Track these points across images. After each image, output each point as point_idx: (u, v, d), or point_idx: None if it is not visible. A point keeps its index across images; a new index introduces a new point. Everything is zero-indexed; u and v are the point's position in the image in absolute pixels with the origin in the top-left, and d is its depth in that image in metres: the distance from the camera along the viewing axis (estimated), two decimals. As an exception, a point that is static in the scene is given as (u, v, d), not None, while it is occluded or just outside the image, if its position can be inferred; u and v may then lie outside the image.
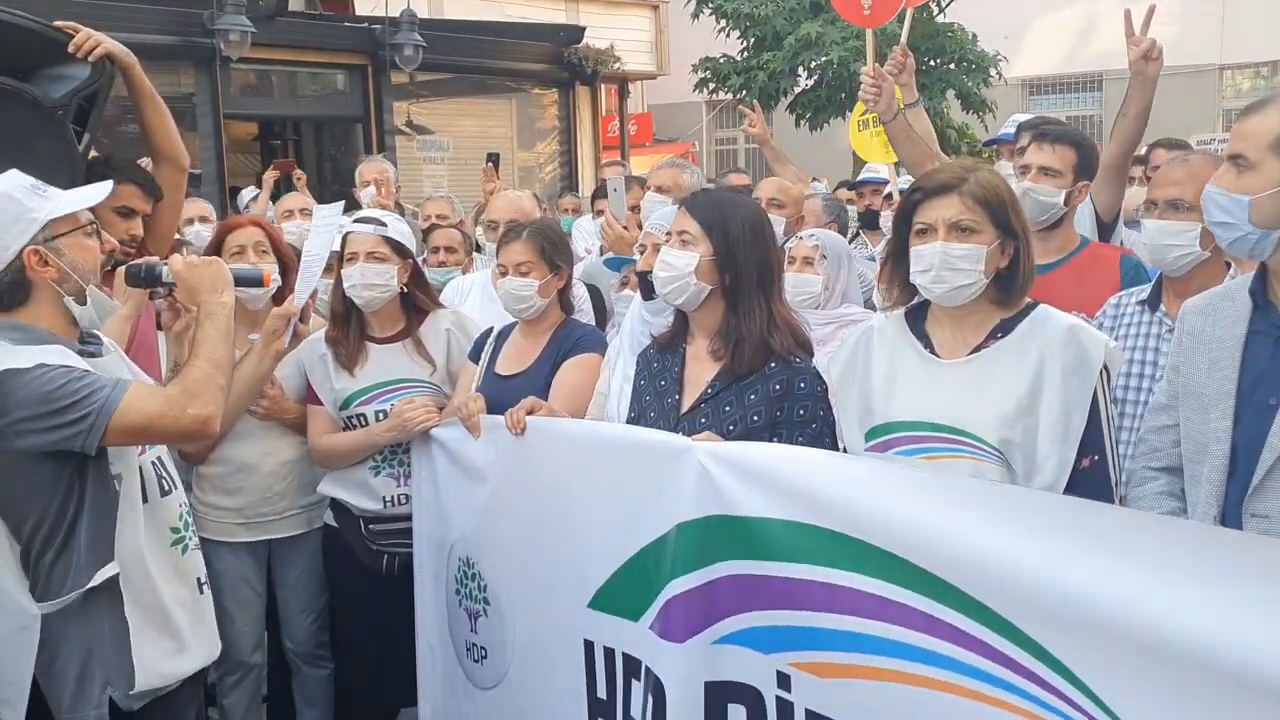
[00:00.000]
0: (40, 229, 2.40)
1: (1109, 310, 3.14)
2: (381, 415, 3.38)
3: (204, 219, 5.60)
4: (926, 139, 4.17)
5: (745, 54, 15.17)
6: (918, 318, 2.56)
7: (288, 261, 3.64)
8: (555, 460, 2.85)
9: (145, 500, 2.52)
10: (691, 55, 15.59)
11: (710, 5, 15.08)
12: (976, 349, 2.44)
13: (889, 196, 5.49)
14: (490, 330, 3.46)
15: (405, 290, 3.47)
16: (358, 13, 12.99)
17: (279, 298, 3.43)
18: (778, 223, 3.90)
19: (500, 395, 3.13)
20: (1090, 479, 2.32)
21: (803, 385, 2.64)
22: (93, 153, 3.55)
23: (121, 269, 2.89)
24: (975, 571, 1.95)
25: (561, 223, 6.00)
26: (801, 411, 2.62)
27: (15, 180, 2.43)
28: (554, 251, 3.36)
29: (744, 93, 14.51)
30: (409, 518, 3.36)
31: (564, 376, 3.23)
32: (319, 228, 3.34)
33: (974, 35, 14.70)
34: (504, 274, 3.35)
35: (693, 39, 15.83)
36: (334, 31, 12.43)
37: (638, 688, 2.62)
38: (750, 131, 5.93)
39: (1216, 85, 18.26)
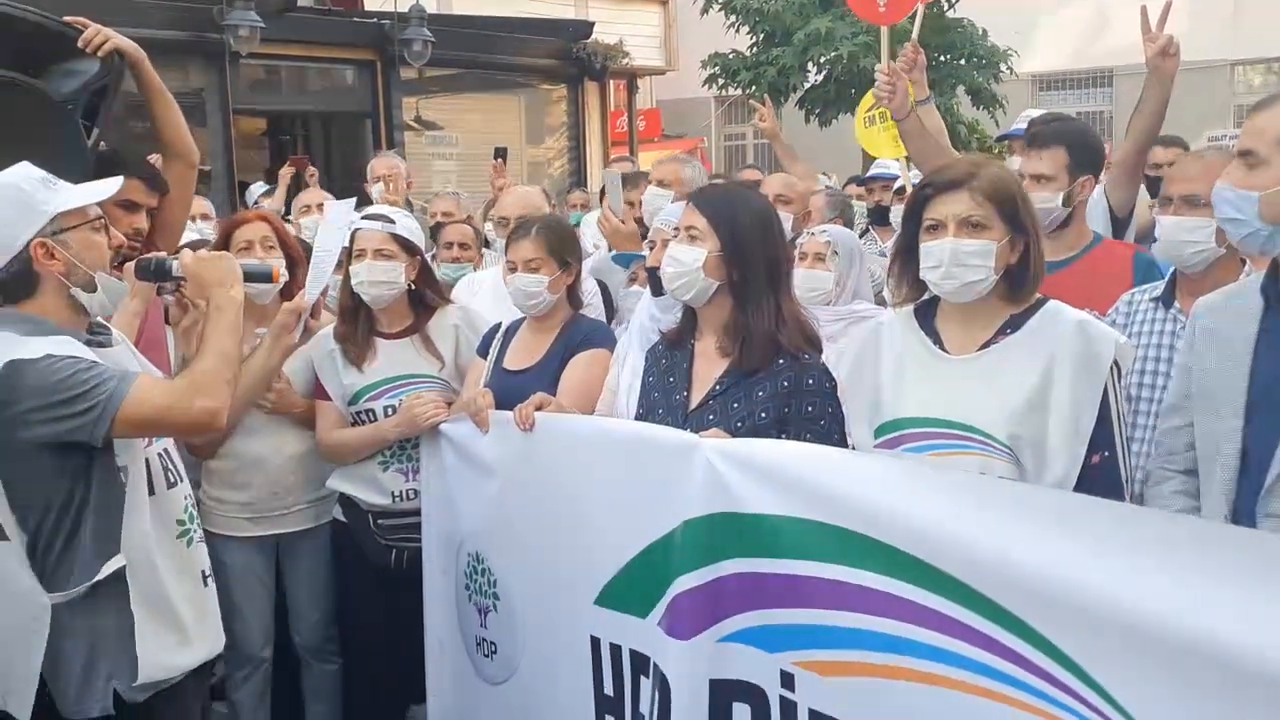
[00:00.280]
0: (48, 222, 2.40)
1: (1121, 307, 3.13)
2: (390, 411, 3.39)
3: (205, 216, 5.62)
4: (937, 136, 4.15)
5: (754, 49, 15.13)
6: (927, 314, 2.55)
7: (296, 256, 3.64)
8: (563, 456, 2.85)
9: (152, 493, 2.53)
10: (700, 51, 15.56)
11: (719, 1, 15.04)
12: (986, 345, 2.44)
13: (901, 191, 5.47)
14: (499, 326, 3.46)
15: (413, 286, 3.47)
16: (366, 8, 13.01)
17: (287, 293, 3.43)
18: (785, 219, 3.89)
19: (509, 391, 3.13)
20: (1101, 475, 2.31)
21: (811, 382, 2.63)
22: (101, 145, 3.56)
23: (131, 264, 2.89)
24: (985, 568, 1.94)
25: (570, 218, 5.99)
26: (810, 408, 2.61)
27: (25, 172, 2.43)
28: (563, 248, 3.36)
29: (753, 88, 14.46)
30: (417, 513, 3.36)
31: (572, 372, 3.23)
32: (330, 225, 3.34)
33: (984, 31, 14.65)
34: (513, 270, 3.34)
35: (702, 34, 15.80)
36: (343, 27, 12.44)
37: (646, 684, 2.62)
38: (760, 126, 5.91)
39: (1228, 81, 18.18)
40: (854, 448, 2.58)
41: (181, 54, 10.69)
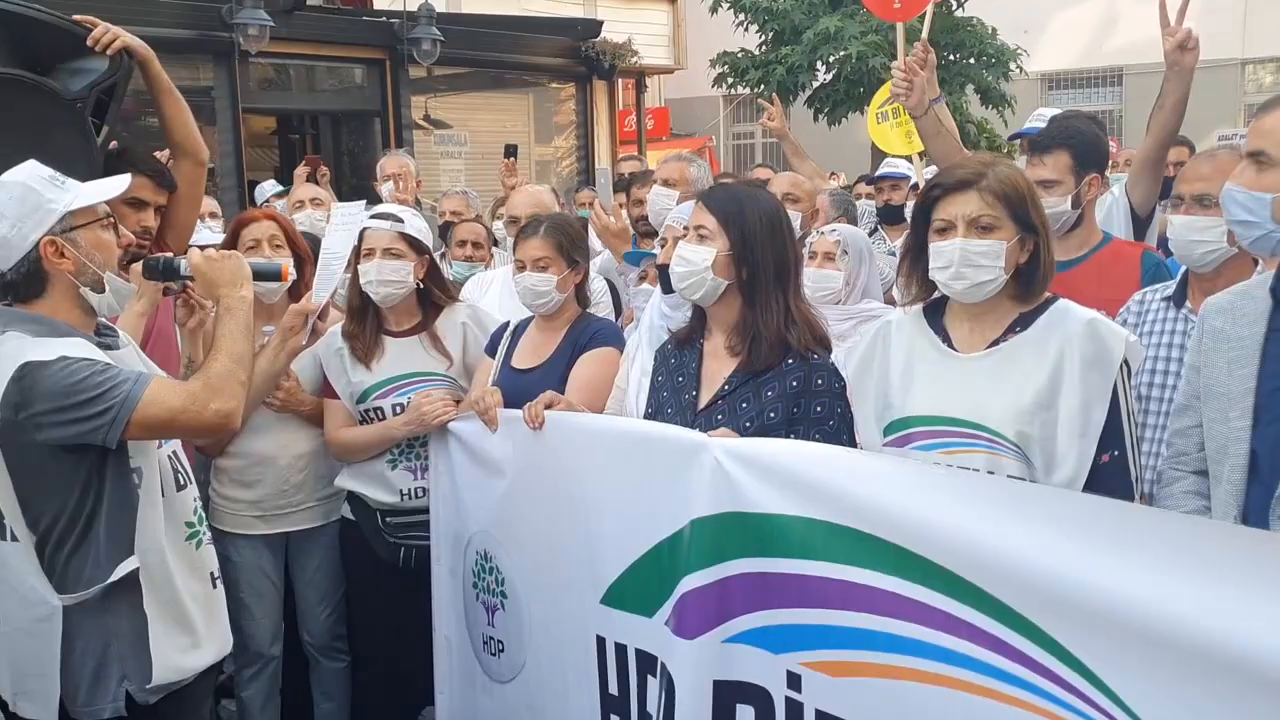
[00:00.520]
0: (58, 220, 2.40)
1: (1133, 306, 3.11)
2: (398, 409, 3.39)
3: (213, 215, 5.62)
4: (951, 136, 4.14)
5: (763, 48, 15.12)
6: (936, 312, 2.54)
7: (303, 254, 3.64)
8: (572, 455, 2.85)
9: (162, 495, 2.53)
10: (709, 50, 15.56)
11: (728, 0, 15.03)
12: (995, 343, 2.43)
13: (915, 187, 5.45)
14: (507, 324, 3.46)
15: (421, 285, 3.47)
16: (376, 7, 13.01)
17: (294, 292, 3.44)
18: (793, 217, 3.88)
19: (517, 389, 3.13)
20: (1110, 474, 2.31)
21: (820, 382, 2.62)
22: (112, 144, 3.57)
23: (137, 264, 2.89)
24: (993, 569, 1.94)
25: (576, 216, 5.99)
26: (819, 408, 2.61)
27: (34, 171, 2.43)
28: (572, 246, 3.36)
29: (762, 87, 14.46)
30: (425, 511, 3.37)
31: (581, 370, 3.23)
32: (340, 226, 3.34)
33: (993, 29, 14.62)
34: (521, 269, 3.34)
35: (710, 33, 15.80)
36: (352, 26, 12.45)
37: (653, 684, 2.62)
38: (769, 126, 5.90)
39: (1238, 80, 18.12)
40: (860, 447, 2.58)
41: (190, 52, 10.71)
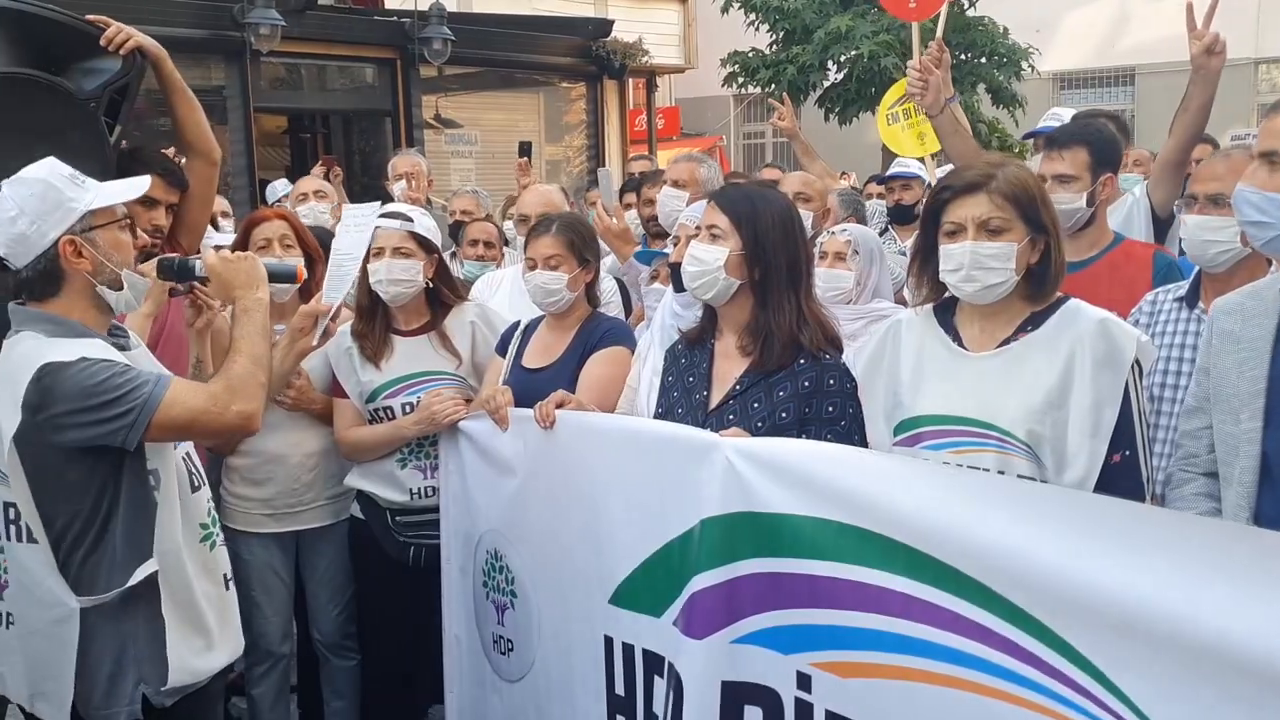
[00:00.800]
0: (78, 219, 2.39)
1: (1145, 307, 3.10)
2: (407, 408, 3.39)
3: (225, 215, 5.63)
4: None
5: (774, 48, 15.10)
6: (947, 311, 2.54)
7: (313, 253, 3.65)
8: (583, 454, 2.85)
9: (179, 496, 2.52)
10: (720, 49, 15.55)
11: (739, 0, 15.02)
12: (1005, 342, 2.42)
13: (928, 187, 5.44)
14: (518, 324, 3.46)
15: (430, 284, 3.47)
16: (387, 6, 13.04)
17: (304, 291, 3.44)
18: (804, 217, 3.87)
19: (528, 388, 3.13)
20: (1121, 474, 2.30)
21: (832, 382, 2.62)
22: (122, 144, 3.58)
23: (152, 262, 2.90)
24: (1004, 569, 1.94)
25: (588, 215, 6.00)
26: (830, 409, 2.60)
27: (55, 169, 2.42)
28: (583, 245, 3.36)
29: (772, 87, 14.44)
30: (435, 509, 3.37)
31: (591, 369, 3.23)
32: (353, 227, 3.32)
33: (1005, 29, 14.58)
34: (532, 268, 3.34)
35: (721, 33, 15.79)
36: (363, 25, 12.47)
37: (660, 684, 2.62)
38: (779, 125, 5.89)
39: (1252, 80, 18.02)
40: (869, 444, 2.58)
41: (202, 52, 10.75)
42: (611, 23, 14.70)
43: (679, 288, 3.10)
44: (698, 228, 2.81)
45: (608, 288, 4.08)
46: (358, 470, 3.50)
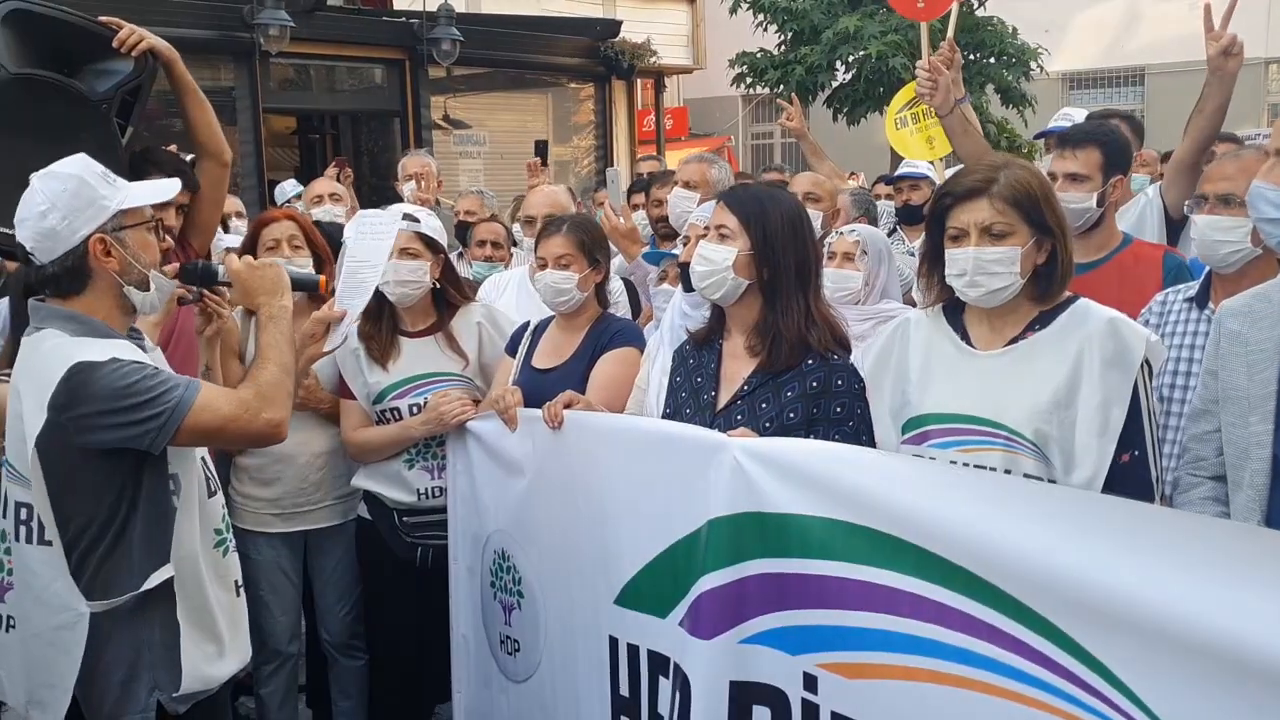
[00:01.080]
0: (109, 218, 2.37)
1: (1155, 307, 3.10)
2: (415, 409, 3.39)
3: (239, 215, 5.65)
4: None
5: (782, 48, 15.09)
6: (955, 310, 2.54)
7: (322, 253, 3.66)
8: (591, 454, 2.85)
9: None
10: (728, 49, 15.53)
11: (748, 0, 15.01)
12: (1013, 341, 2.42)
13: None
14: (527, 324, 3.47)
15: (437, 285, 3.47)
16: (396, 7, 13.06)
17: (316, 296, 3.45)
18: (814, 217, 3.88)
19: (537, 389, 3.14)
20: (1130, 474, 2.29)
21: (840, 383, 2.62)
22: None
23: (173, 266, 2.88)
24: (1012, 569, 1.93)
25: (596, 216, 6.00)
26: (838, 409, 2.60)
27: (88, 165, 2.40)
28: (594, 245, 3.36)
29: (780, 87, 14.42)
30: (442, 510, 3.37)
31: (601, 370, 3.23)
32: (370, 235, 3.26)
33: (1014, 29, 14.55)
34: (543, 267, 3.35)
35: (729, 33, 15.77)
36: (372, 26, 12.50)
37: (665, 685, 2.61)
38: (787, 126, 5.89)
39: (1262, 79, 17.96)
40: (878, 444, 2.58)
41: (211, 53, 10.78)
42: (620, 23, 14.70)
43: (689, 288, 3.10)
44: (707, 228, 2.82)
45: (615, 288, 4.08)
46: (364, 471, 3.50)
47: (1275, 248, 2.41)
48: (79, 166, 2.38)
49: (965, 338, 2.49)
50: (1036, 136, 6.33)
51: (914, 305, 3.61)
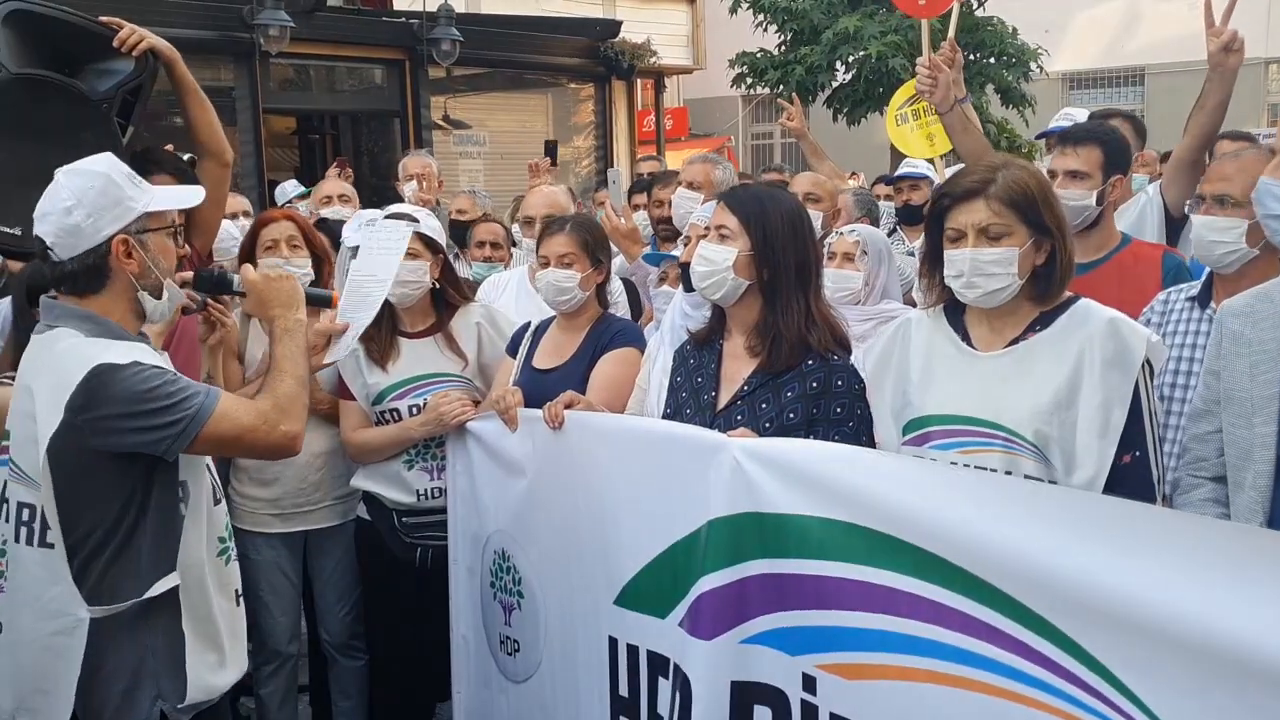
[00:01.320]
0: (135, 219, 2.36)
1: (1157, 306, 3.10)
2: (414, 410, 3.39)
3: (246, 214, 5.65)
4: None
5: (782, 48, 15.09)
6: (957, 311, 2.54)
7: (322, 254, 3.66)
8: (592, 454, 2.85)
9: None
10: (728, 50, 15.54)
11: (747, 0, 15.02)
12: (1014, 342, 2.42)
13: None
14: (528, 324, 3.47)
15: (436, 285, 3.47)
16: (395, 8, 13.06)
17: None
18: (814, 218, 3.88)
19: (538, 389, 3.14)
20: (1131, 475, 2.29)
21: (840, 383, 2.62)
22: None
23: (185, 274, 2.86)
24: (1012, 570, 1.93)
25: (597, 216, 6.01)
26: (839, 410, 2.61)
27: (114, 165, 2.38)
28: (596, 245, 3.37)
29: (781, 88, 14.43)
30: (442, 510, 3.37)
31: (602, 370, 3.23)
32: (378, 249, 3.24)
33: (1014, 29, 14.55)
34: (545, 265, 3.35)
35: (729, 33, 15.77)
36: (372, 26, 12.51)
37: (665, 685, 2.61)
38: (788, 125, 5.89)
39: (1262, 79, 17.97)
40: (878, 444, 2.58)
41: (211, 53, 10.77)
42: (619, 23, 14.70)
43: (689, 288, 3.11)
44: (707, 228, 2.82)
45: (615, 289, 4.09)
46: (363, 471, 3.50)
47: None
48: (106, 165, 2.37)
49: (966, 338, 2.49)
50: (1038, 136, 6.33)
51: (914, 305, 3.61)
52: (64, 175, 2.34)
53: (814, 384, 2.61)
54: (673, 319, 3.24)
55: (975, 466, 2.36)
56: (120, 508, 2.29)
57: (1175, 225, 3.85)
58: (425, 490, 3.42)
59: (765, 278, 2.67)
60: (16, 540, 2.44)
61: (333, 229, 3.91)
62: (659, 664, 2.64)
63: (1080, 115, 5.43)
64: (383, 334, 3.45)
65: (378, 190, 10.75)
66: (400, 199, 5.87)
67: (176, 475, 2.36)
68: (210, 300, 2.88)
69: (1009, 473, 2.32)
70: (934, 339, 2.53)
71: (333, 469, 3.60)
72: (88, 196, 2.30)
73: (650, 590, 2.64)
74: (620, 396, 3.15)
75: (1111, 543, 1.82)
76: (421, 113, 12.73)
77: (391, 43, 12.35)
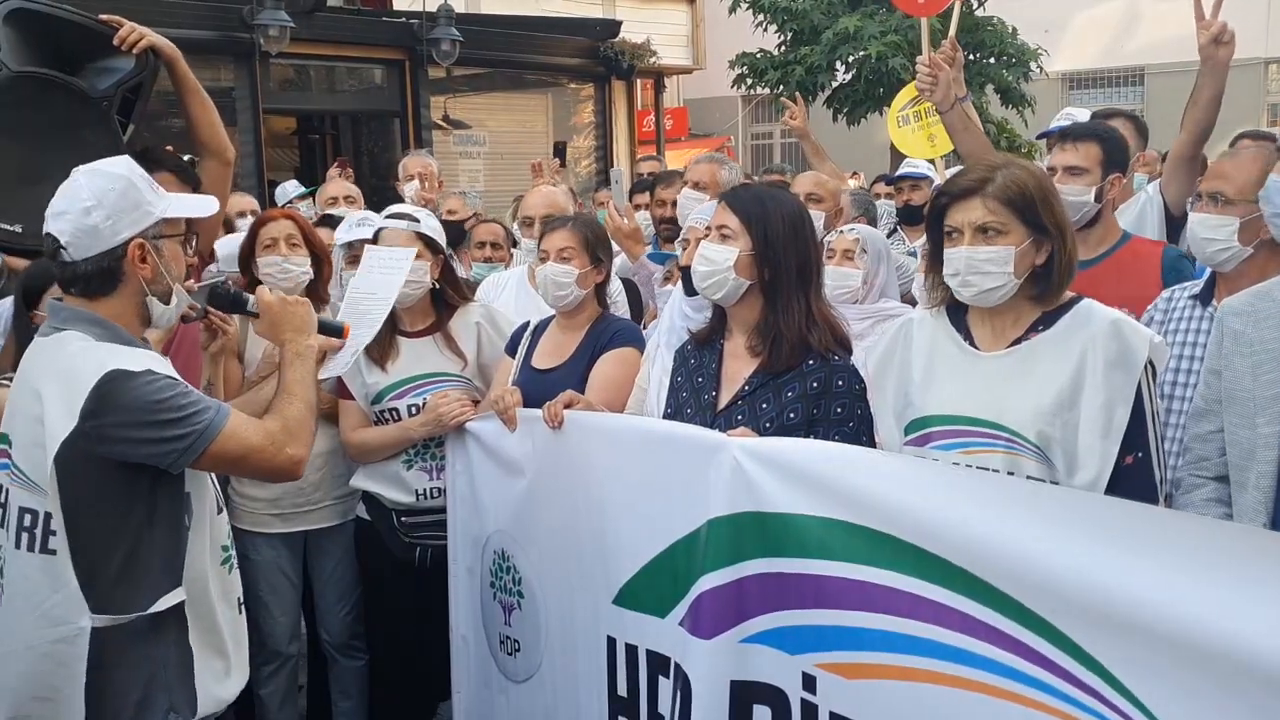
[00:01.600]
0: (152, 224, 2.34)
1: (1160, 305, 3.09)
2: (414, 410, 3.39)
3: (254, 212, 5.64)
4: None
5: (782, 48, 15.10)
6: (959, 311, 2.53)
7: (321, 254, 3.66)
8: (591, 454, 2.85)
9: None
10: (728, 50, 15.54)
11: (747, 0, 15.02)
12: (1016, 342, 2.41)
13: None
14: (527, 324, 3.47)
15: (436, 285, 3.47)
16: (395, 8, 13.07)
17: (313, 291, 3.45)
18: (816, 217, 3.88)
19: (537, 389, 3.13)
20: (1134, 476, 2.28)
21: (840, 383, 2.62)
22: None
23: (201, 286, 2.85)
24: (1013, 570, 1.93)
25: (598, 216, 6.01)
26: (839, 409, 2.60)
27: (134, 168, 2.36)
28: (596, 244, 3.37)
29: (780, 88, 14.43)
30: (441, 510, 3.37)
31: (601, 370, 3.23)
32: (378, 269, 3.24)
33: (1014, 29, 14.56)
34: (544, 260, 3.34)
35: (729, 33, 15.78)
36: (372, 26, 12.51)
37: (665, 685, 2.61)
38: (790, 125, 5.88)
39: (1262, 79, 17.97)
40: (880, 444, 2.58)
41: (211, 53, 10.77)
42: (619, 23, 14.71)
43: (690, 291, 3.10)
44: (707, 229, 2.82)
45: (614, 289, 4.08)
46: (363, 471, 3.50)
47: None
48: (126, 168, 2.35)
49: (968, 339, 2.48)
50: (1039, 136, 6.33)
51: (913, 305, 3.61)
52: (84, 175, 2.32)
53: (814, 384, 2.61)
54: (671, 318, 3.24)
55: (977, 467, 2.36)
56: (127, 518, 2.26)
57: (1175, 224, 3.85)
58: (424, 490, 3.42)
59: (766, 278, 2.66)
60: (17, 546, 2.38)
61: (336, 225, 3.91)
62: (659, 663, 2.64)
63: (1082, 115, 5.43)
64: (382, 333, 3.45)
65: (377, 190, 10.74)
66: (400, 199, 5.87)
67: (182, 487, 2.34)
68: (210, 308, 2.87)
69: (1011, 473, 2.31)
70: (936, 339, 2.53)
71: (332, 469, 3.60)
72: (108, 198, 2.29)
73: (649, 590, 2.64)
74: (620, 396, 3.15)
75: (1113, 543, 1.82)
76: (421, 113, 12.73)
77: (391, 43, 12.36)
